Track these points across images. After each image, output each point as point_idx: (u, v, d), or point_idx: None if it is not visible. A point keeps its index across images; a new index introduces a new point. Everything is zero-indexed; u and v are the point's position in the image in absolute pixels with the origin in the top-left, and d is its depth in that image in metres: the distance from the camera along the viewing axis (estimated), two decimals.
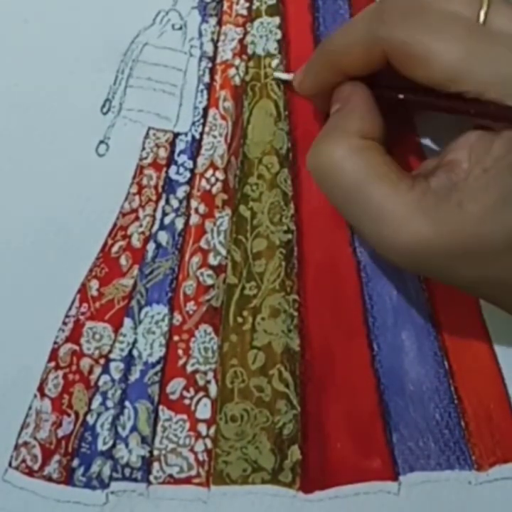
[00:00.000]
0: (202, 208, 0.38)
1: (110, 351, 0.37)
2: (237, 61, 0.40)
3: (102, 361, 0.37)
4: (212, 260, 0.37)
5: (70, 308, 0.37)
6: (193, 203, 0.38)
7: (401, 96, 0.31)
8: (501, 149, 0.27)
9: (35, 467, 0.36)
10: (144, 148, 0.39)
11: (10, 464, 0.36)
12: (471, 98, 0.27)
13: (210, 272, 0.37)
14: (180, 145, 0.39)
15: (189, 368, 0.36)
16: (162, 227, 0.38)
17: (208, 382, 0.36)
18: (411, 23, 0.28)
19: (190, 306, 0.37)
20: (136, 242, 0.38)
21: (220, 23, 0.41)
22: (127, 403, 0.36)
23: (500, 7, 0.28)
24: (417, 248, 0.28)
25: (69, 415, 0.36)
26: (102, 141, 0.39)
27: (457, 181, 0.28)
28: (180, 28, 0.41)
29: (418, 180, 0.29)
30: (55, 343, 0.37)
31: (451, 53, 0.27)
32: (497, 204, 0.27)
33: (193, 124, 0.39)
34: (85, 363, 0.37)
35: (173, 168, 0.39)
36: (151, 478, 0.35)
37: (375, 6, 0.30)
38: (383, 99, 0.31)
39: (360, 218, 0.29)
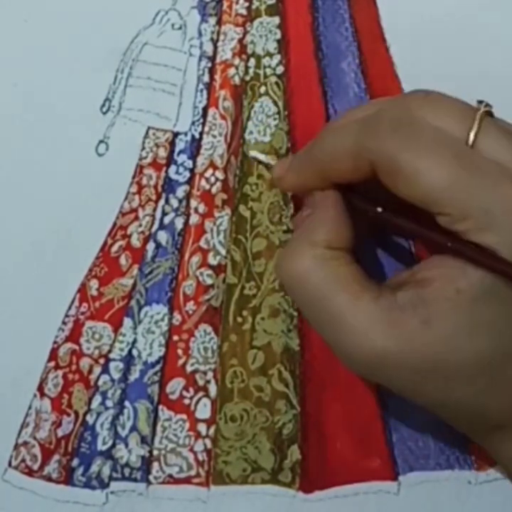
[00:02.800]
0: (201, 208, 0.38)
1: (110, 351, 0.37)
2: (236, 61, 0.40)
3: (101, 361, 0.37)
4: (212, 260, 0.37)
5: (69, 308, 0.37)
6: (193, 203, 0.38)
7: (379, 210, 0.30)
8: (476, 276, 0.26)
9: (35, 467, 0.36)
10: (143, 148, 0.39)
11: (9, 464, 0.36)
12: (449, 229, 0.27)
13: (209, 271, 0.37)
14: (180, 145, 0.39)
15: (189, 368, 0.36)
16: (162, 226, 0.38)
17: (208, 382, 0.36)
18: (400, 139, 0.28)
19: (190, 305, 0.37)
20: (135, 241, 0.38)
21: (219, 22, 0.41)
22: (127, 403, 0.36)
23: (490, 130, 0.28)
24: (376, 361, 0.28)
25: (69, 415, 0.36)
26: (101, 141, 0.39)
27: (426, 298, 0.27)
28: (180, 28, 0.41)
29: (384, 293, 0.28)
30: (54, 342, 0.37)
31: (436, 177, 0.27)
32: (466, 328, 0.26)
33: (193, 123, 0.39)
34: (85, 362, 0.37)
35: (172, 168, 0.39)
36: (151, 478, 0.35)
37: (367, 116, 0.30)
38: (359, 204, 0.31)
39: (323, 328, 0.29)
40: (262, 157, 0.37)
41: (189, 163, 0.39)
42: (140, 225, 0.38)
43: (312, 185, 0.32)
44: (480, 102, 0.29)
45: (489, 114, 0.29)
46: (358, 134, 0.29)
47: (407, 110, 0.29)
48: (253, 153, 0.37)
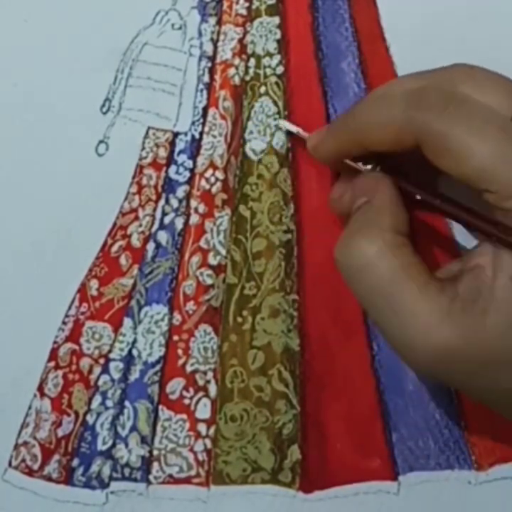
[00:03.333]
0: (201, 208, 0.38)
1: (110, 351, 0.37)
2: (236, 61, 0.40)
3: (101, 361, 0.37)
4: (212, 260, 0.37)
5: (69, 308, 0.37)
6: (193, 203, 0.38)
7: (418, 197, 0.30)
8: None
9: (35, 467, 0.36)
10: (143, 148, 0.39)
11: (10, 464, 0.36)
12: (496, 206, 0.27)
13: (209, 271, 0.37)
14: (180, 145, 0.39)
15: (189, 368, 0.36)
16: (162, 226, 0.38)
17: (208, 382, 0.36)
18: (450, 115, 0.28)
19: (190, 305, 0.37)
20: (135, 241, 0.38)
21: (219, 22, 0.41)
22: (127, 403, 0.36)
23: None
24: (441, 354, 0.27)
25: (69, 415, 0.36)
26: (101, 141, 0.39)
27: (482, 288, 0.27)
28: (180, 28, 0.41)
29: (447, 284, 0.28)
30: (54, 342, 0.37)
31: (485, 154, 0.27)
32: None
33: (193, 123, 0.39)
34: (85, 362, 0.37)
35: (172, 168, 0.39)
36: (151, 478, 0.35)
37: (415, 89, 0.30)
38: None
39: (388, 319, 0.28)
40: (292, 128, 0.37)
41: (189, 163, 0.39)
42: (140, 225, 0.38)
43: (348, 153, 0.32)
44: None
45: None
46: (407, 106, 0.29)
47: (454, 86, 0.29)
48: (282, 122, 0.38)
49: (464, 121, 0.28)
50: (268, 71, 0.40)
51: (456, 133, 0.27)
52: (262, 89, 0.39)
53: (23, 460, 0.36)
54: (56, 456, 0.36)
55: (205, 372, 0.36)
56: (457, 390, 0.31)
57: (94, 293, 0.37)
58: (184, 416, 0.36)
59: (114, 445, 0.36)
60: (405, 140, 0.29)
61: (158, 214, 0.38)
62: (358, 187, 0.32)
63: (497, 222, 0.27)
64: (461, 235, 0.35)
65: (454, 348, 0.27)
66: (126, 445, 0.35)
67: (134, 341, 0.37)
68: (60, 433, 0.36)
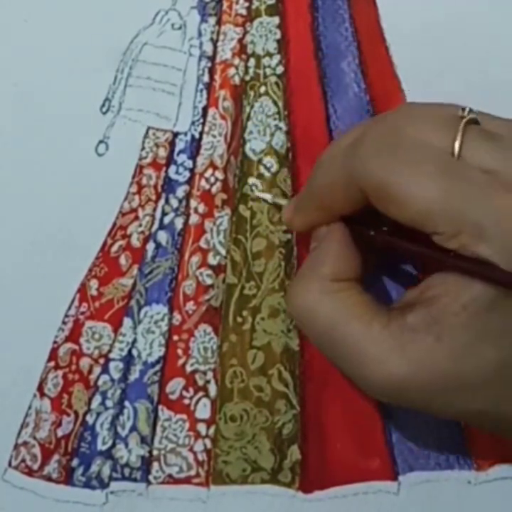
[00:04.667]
0: (201, 208, 0.38)
1: (110, 351, 0.37)
2: (236, 61, 0.40)
3: (101, 361, 0.37)
4: (212, 260, 0.37)
5: (69, 308, 0.37)
6: (193, 203, 0.38)
7: (372, 233, 0.30)
8: (479, 289, 0.26)
9: (35, 467, 0.35)
10: (143, 148, 0.39)
11: (9, 464, 0.36)
12: (445, 247, 0.27)
13: (209, 271, 0.37)
14: (180, 144, 0.39)
15: (188, 368, 0.36)
16: (162, 226, 0.38)
17: (208, 382, 0.36)
18: (384, 161, 0.27)
19: (190, 305, 0.37)
20: (135, 241, 0.38)
21: (219, 22, 0.41)
22: (127, 403, 0.36)
23: (474, 137, 0.27)
24: (394, 386, 0.28)
25: (68, 415, 0.36)
26: (101, 141, 0.39)
27: (436, 315, 0.27)
28: (180, 28, 0.41)
29: (394, 317, 0.28)
30: (54, 342, 0.37)
31: (425, 194, 0.26)
32: (475, 341, 0.26)
33: (193, 123, 0.39)
34: (85, 362, 0.37)
35: (172, 168, 0.39)
36: (151, 478, 0.35)
37: (351, 143, 0.29)
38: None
39: (339, 359, 0.29)
40: (266, 196, 0.37)
41: (189, 163, 0.39)
42: (140, 225, 0.38)
43: (320, 222, 0.32)
44: (463, 109, 0.29)
45: (473, 121, 0.28)
46: (344, 163, 0.29)
47: (389, 128, 0.28)
48: (259, 193, 0.37)
49: (400, 164, 0.27)
50: (268, 71, 0.40)
51: (392, 178, 0.27)
52: (262, 89, 0.39)
53: (23, 460, 0.36)
54: (56, 456, 0.36)
55: (204, 372, 0.36)
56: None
57: (94, 293, 0.37)
58: (184, 416, 0.36)
59: (113, 445, 0.36)
60: (355, 196, 0.29)
61: (158, 214, 0.38)
62: (313, 234, 0.32)
63: (451, 251, 0.27)
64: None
65: (406, 378, 0.27)
66: (126, 445, 0.35)
67: (134, 341, 0.37)
68: (60, 433, 0.36)
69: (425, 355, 0.27)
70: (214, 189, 0.38)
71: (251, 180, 0.38)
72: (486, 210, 0.26)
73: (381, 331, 0.28)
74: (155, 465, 0.35)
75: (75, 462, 0.35)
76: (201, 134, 0.39)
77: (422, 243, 0.28)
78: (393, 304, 0.30)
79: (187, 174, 0.39)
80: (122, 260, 0.38)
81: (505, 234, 0.26)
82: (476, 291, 0.27)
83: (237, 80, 0.40)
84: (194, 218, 0.38)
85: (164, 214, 0.38)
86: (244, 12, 0.41)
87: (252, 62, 0.40)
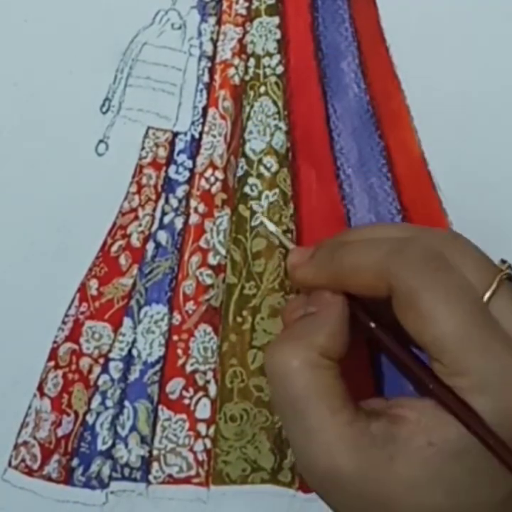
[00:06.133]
0: (201, 208, 0.38)
1: (110, 351, 0.37)
2: (236, 61, 0.40)
3: (101, 361, 0.37)
4: (212, 260, 0.37)
5: (69, 308, 0.37)
6: (193, 203, 0.38)
7: (372, 325, 0.30)
8: (454, 432, 0.26)
9: (35, 467, 0.36)
10: (143, 148, 0.39)
11: (9, 464, 0.36)
12: (440, 379, 0.27)
13: (209, 271, 0.37)
14: (180, 144, 0.39)
15: (188, 368, 0.36)
16: (161, 226, 0.38)
17: (208, 381, 0.36)
18: (426, 275, 0.28)
19: (190, 305, 0.37)
20: (135, 241, 0.38)
21: (219, 22, 0.41)
22: (127, 403, 0.36)
23: (506, 296, 0.28)
24: (333, 480, 0.27)
25: (68, 415, 0.36)
26: (101, 141, 0.39)
27: (398, 437, 0.27)
28: (180, 28, 0.41)
29: (360, 417, 0.28)
30: (54, 342, 0.37)
31: (449, 323, 0.27)
32: (429, 481, 0.26)
33: (193, 123, 0.39)
34: (85, 362, 0.37)
35: (172, 168, 0.39)
36: (151, 478, 0.35)
37: (398, 239, 0.29)
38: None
39: (295, 431, 0.29)
40: (281, 237, 0.36)
41: (189, 163, 0.39)
42: (140, 225, 0.38)
43: (325, 287, 0.31)
44: (503, 261, 0.29)
45: (509, 277, 0.29)
46: (386, 254, 0.29)
47: (437, 246, 0.29)
48: (266, 223, 0.36)
49: (437, 287, 0.27)
50: (268, 71, 0.40)
51: (426, 296, 0.27)
52: (262, 89, 0.39)
53: (23, 460, 0.36)
54: (56, 456, 0.36)
55: (204, 372, 0.36)
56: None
57: (94, 293, 0.37)
58: (184, 416, 0.36)
59: (113, 445, 0.36)
60: (380, 288, 0.29)
61: (158, 214, 0.38)
62: (313, 297, 0.32)
63: (447, 388, 0.27)
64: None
65: (346, 478, 0.27)
66: (126, 445, 0.35)
67: (134, 341, 0.37)
68: (60, 433, 0.36)
69: (373, 468, 0.27)
70: (214, 189, 0.38)
71: (256, 206, 0.38)
72: (497, 367, 0.26)
73: (344, 425, 0.28)
74: (155, 465, 0.35)
75: (74, 462, 0.35)
76: (201, 133, 0.39)
77: (416, 359, 0.29)
78: (361, 402, 0.30)
79: (187, 174, 0.39)
80: (122, 260, 0.38)
81: (506, 396, 0.26)
82: (450, 434, 0.26)
83: (237, 79, 0.40)
84: (194, 218, 0.38)
85: (164, 214, 0.38)
86: (244, 12, 0.41)
87: (251, 62, 0.40)
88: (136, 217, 0.38)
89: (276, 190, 0.38)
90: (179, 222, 0.38)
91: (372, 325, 0.30)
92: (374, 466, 0.27)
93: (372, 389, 0.35)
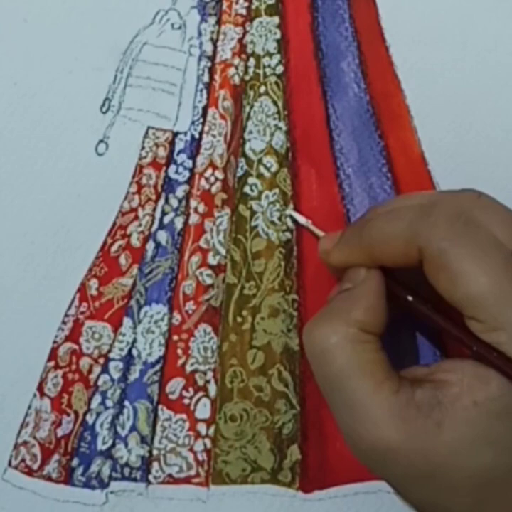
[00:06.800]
0: (201, 208, 0.38)
1: (109, 351, 0.37)
2: (236, 60, 0.40)
3: (101, 361, 0.37)
4: (212, 260, 0.37)
5: (69, 308, 0.37)
6: (193, 203, 0.38)
7: (410, 298, 0.30)
8: (496, 390, 0.27)
9: (35, 467, 0.36)
10: (143, 148, 0.39)
11: (9, 464, 0.36)
12: (477, 336, 0.27)
13: (209, 271, 0.37)
14: (180, 144, 0.39)
15: (188, 368, 0.36)
16: (161, 226, 0.38)
17: (208, 381, 0.36)
18: (454, 234, 0.28)
19: (190, 305, 0.37)
20: (135, 241, 0.38)
21: (219, 22, 0.41)
22: (127, 403, 0.36)
23: None
24: (382, 452, 0.28)
25: (68, 415, 0.36)
26: (101, 141, 0.39)
27: (443, 402, 0.27)
28: (180, 28, 0.41)
29: (404, 387, 0.28)
30: (54, 342, 0.37)
31: (480, 282, 0.27)
32: (476, 441, 0.26)
33: (193, 123, 0.39)
34: (85, 362, 0.37)
35: (172, 168, 0.39)
36: (151, 477, 0.35)
37: (424, 205, 0.30)
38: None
39: (340, 407, 0.29)
40: (311, 227, 0.36)
41: (189, 163, 0.39)
42: (140, 225, 0.38)
43: (360, 264, 0.31)
44: None
45: None
46: (414, 220, 0.29)
47: (461, 206, 0.29)
48: (294, 214, 0.37)
49: (467, 244, 0.28)
50: (268, 71, 0.40)
51: (457, 254, 0.27)
52: (262, 88, 0.39)
53: (23, 460, 0.36)
54: (56, 456, 0.36)
55: (204, 372, 0.36)
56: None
57: (94, 292, 0.37)
58: (184, 416, 0.36)
59: (113, 445, 0.36)
60: (412, 254, 0.29)
61: (158, 214, 0.38)
62: (348, 274, 0.32)
63: (487, 345, 0.27)
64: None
65: (395, 450, 0.27)
66: (126, 445, 0.35)
67: (134, 341, 0.37)
68: (60, 433, 0.36)
69: (421, 437, 0.27)
70: (214, 189, 0.38)
71: (289, 210, 0.37)
72: None
73: (389, 397, 0.28)
74: (155, 465, 0.35)
75: (74, 462, 0.35)
76: (201, 133, 0.39)
77: (454, 322, 0.29)
78: (402, 372, 0.30)
79: (187, 174, 0.39)
80: (122, 260, 0.38)
81: None
82: (493, 392, 0.27)
83: (237, 79, 0.40)
84: (194, 218, 0.38)
85: (164, 214, 0.38)
86: (244, 12, 0.41)
87: (251, 62, 0.40)
88: (136, 217, 0.38)
89: (276, 190, 0.38)
90: (179, 222, 0.38)
91: (410, 298, 0.30)
92: (422, 435, 0.27)
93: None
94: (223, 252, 0.37)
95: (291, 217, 0.37)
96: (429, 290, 0.29)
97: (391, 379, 0.28)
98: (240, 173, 0.38)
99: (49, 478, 0.35)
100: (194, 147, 0.39)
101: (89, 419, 0.36)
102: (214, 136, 0.39)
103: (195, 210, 0.38)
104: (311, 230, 0.36)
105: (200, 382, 0.36)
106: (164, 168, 0.39)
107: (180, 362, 0.36)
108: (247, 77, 0.40)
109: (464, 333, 0.28)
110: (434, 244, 0.28)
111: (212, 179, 0.38)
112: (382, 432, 0.27)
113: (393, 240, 0.29)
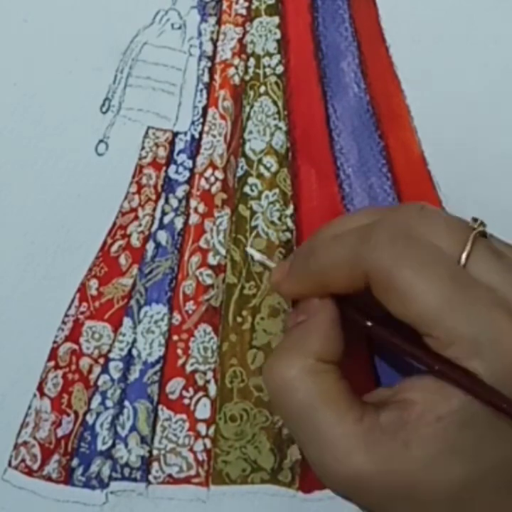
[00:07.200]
0: (201, 208, 0.38)
1: (109, 351, 0.37)
2: (236, 60, 0.40)
3: (101, 361, 0.37)
4: (212, 260, 0.37)
5: (69, 308, 0.37)
6: (193, 203, 0.38)
7: (368, 324, 0.30)
8: (458, 403, 0.26)
9: (35, 467, 0.36)
10: (143, 148, 0.39)
11: (9, 464, 0.36)
12: (435, 352, 0.27)
13: (209, 271, 0.37)
14: (180, 144, 0.39)
15: (188, 368, 0.36)
16: (161, 226, 0.38)
17: (208, 381, 0.36)
18: (396, 252, 0.27)
19: (190, 305, 0.37)
20: (135, 241, 0.38)
21: (219, 22, 0.41)
22: (127, 403, 0.36)
23: (482, 252, 0.28)
24: (355, 482, 0.27)
25: (68, 415, 0.36)
26: (101, 141, 0.39)
27: (408, 421, 0.27)
28: (180, 28, 0.41)
29: (368, 412, 0.28)
30: (54, 342, 0.37)
31: (429, 296, 0.26)
32: (444, 454, 0.26)
33: (193, 123, 0.39)
34: (85, 362, 0.37)
35: (172, 168, 0.39)
36: (151, 477, 0.35)
37: (364, 227, 0.29)
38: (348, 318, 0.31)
39: (305, 441, 0.29)
40: (258, 256, 0.36)
41: (189, 163, 0.39)
42: (140, 225, 0.38)
43: (310, 293, 0.31)
44: (475, 220, 0.29)
45: (483, 234, 0.28)
46: (355, 244, 0.29)
47: (402, 222, 0.29)
48: (250, 250, 0.36)
49: (410, 261, 0.27)
50: (268, 71, 0.40)
51: (401, 272, 0.27)
52: (262, 89, 0.39)
53: (23, 460, 0.36)
54: (56, 456, 0.36)
55: (204, 372, 0.36)
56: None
57: (94, 292, 0.37)
58: (184, 416, 0.36)
59: (113, 445, 0.36)
60: (357, 278, 0.28)
61: (158, 214, 0.38)
62: (301, 306, 0.31)
63: (443, 358, 0.27)
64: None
65: (367, 476, 0.27)
66: (126, 445, 0.35)
67: (134, 341, 0.37)
68: (60, 433, 0.36)
69: (391, 459, 0.27)
70: (214, 189, 0.38)
71: (249, 248, 0.37)
72: (485, 326, 0.26)
73: (354, 424, 0.27)
74: (155, 465, 0.35)
75: (74, 462, 0.35)
76: (201, 133, 0.39)
77: (408, 341, 0.28)
78: (365, 396, 0.30)
79: (187, 174, 0.39)
80: (122, 260, 0.38)
81: (499, 354, 0.26)
82: (455, 404, 0.26)
83: (237, 79, 0.40)
84: (194, 218, 0.38)
85: (164, 214, 0.38)
86: (244, 12, 0.41)
87: (251, 62, 0.40)
88: (136, 217, 0.38)
89: (276, 190, 0.38)
90: (179, 222, 0.38)
91: (369, 323, 0.30)
92: (391, 457, 0.27)
93: (374, 382, 0.35)
94: (223, 252, 0.37)
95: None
96: (382, 312, 0.28)
97: (354, 407, 0.28)
98: (240, 173, 0.38)
99: (49, 479, 0.35)
100: (194, 147, 0.39)
101: (89, 419, 0.36)
102: (214, 136, 0.39)
103: (195, 210, 0.38)
104: (265, 263, 0.35)
105: (200, 382, 0.36)
106: (164, 168, 0.39)
107: (180, 362, 0.36)
108: (247, 77, 0.40)
109: (421, 351, 0.28)
110: (378, 267, 0.27)
111: (212, 179, 0.38)
112: (351, 462, 0.27)
113: (339, 267, 0.29)
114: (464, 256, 0.27)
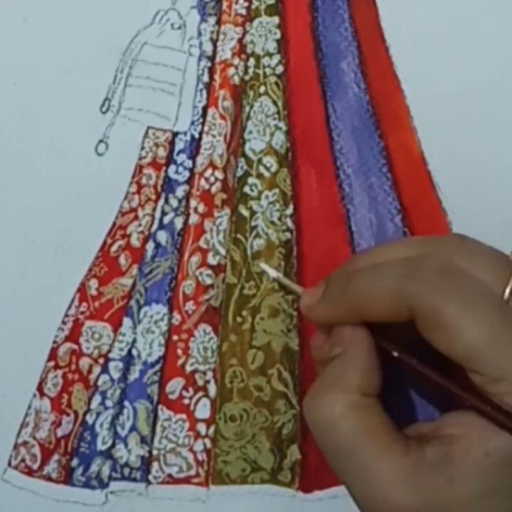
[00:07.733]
0: (201, 208, 0.38)
1: (109, 351, 0.37)
2: (236, 60, 0.40)
3: (101, 361, 0.37)
4: (212, 260, 0.37)
5: (69, 308, 0.37)
6: (192, 203, 0.38)
7: (395, 354, 0.30)
8: (507, 439, 0.26)
9: (35, 467, 0.36)
10: (143, 148, 0.39)
11: (9, 464, 0.36)
12: (480, 389, 0.27)
13: (209, 271, 0.37)
14: (180, 144, 0.39)
15: (188, 368, 0.36)
16: (161, 226, 0.38)
17: (207, 381, 0.36)
18: (444, 290, 0.27)
19: (190, 305, 0.37)
20: (135, 241, 0.38)
21: (219, 22, 0.41)
22: (126, 403, 0.36)
23: None
24: None
25: (68, 415, 0.36)
26: (101, 141, 0.39)
27: (453, 456, 0.27)
28: (180, 28, 0.41)
29: (412, 446, 0.28)
30: (54, 342, 0.37)
31: (476, 333, 0.27)
32: (491, 492, 0.26)
33: (193, 123, 0.39)
34: (84, 362, 0.37)
35: (172, 168, 0.39)
36: (151, 477, 0.35)
37: (409, 260, 0.29)
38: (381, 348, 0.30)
39: (350, 474, 0.29)
40: (272, 272, 0.36)
41: (189, 163, 0.39)
42: (139, 225, 0.38)
43: (343, 321, 0.31)
44: None
45: None
46: (401, 278, 0.28)
47: (447, 257, 0.29)
48: (263, 266, 0.36)
49: (457, 297, 0.27)
50: (268, 71, 0.40)
51: (448, 309, 0.27)
52: (262, 89, 0.39)
53: (23, 460, 0.36)
54: (56, 456, 0.36)
55: (204, 372, 0.36)
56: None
57: (94, 292, 0.37)
58: (184, 416, 0.36)
59: (113, 445, 0.36)
60: (401, 312, 0.28)
61: (158, 214, 0.38)
62: (335, 336, 0.31)
63: (483, 398, 0.27)
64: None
65: (412, 510, 0.27)
66: (126, 445, 0.35)
67: (134, 341, 0.37)
68: (60, 433, 0.36)
69: (435, 494, 0.27)
70: (214, 189, 0.38)
71: (262, 264, 0.37)
72: None
73: (399, 458, 0.27)
74: (155, 465, 0.35)
75: (74, 462, 0.35)
76: (201, 133, 0.39)
77: (446, 375, 0.28)
78: (406, 430, 0.29)
79: (187, 174, 0.39)
80: (122, 260, 0.38)
81: None
82: (504, 441, 0.26)
83: (236, 79, 0.40)
84: (194, 218, 0.38)
85: (164, 214, 0.38)
86: (243, 12, 0.41)
87: (251, 62, 0.40)
88: (136, 217, 0.38)
89: (276, 190, 0.38)
90: (179, 222, 0.38)
91: (395, 354, 0.30)
92: (435, 493, 0.27)
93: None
94: (223, 252, 0.37)
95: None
96: (420, 342, 0.28)
97: (398, 440, 0.28)
98: (239, 173, 0.38)
99: (49, 479, 0.35)
100: (194, 147, 0.39)
101: (89, 419, 0.36)
102: (214, 136, 0.39)
103: (195, 210, 0.38)
104: (288, 285, 0.35)
105: (200, 382, 0.36)
106: (164, 168, 0.39)
107: (180, 362, 0.36)
108: (247, 77, 0.40)
109: (457, 386, 0.28)
110: (426, 303, 0.27)
111: (212, 179, 0.38)
112: (395, 495, 0.27)
113: (381, 299, 0.29)
114: (507, 291, 0.28)
